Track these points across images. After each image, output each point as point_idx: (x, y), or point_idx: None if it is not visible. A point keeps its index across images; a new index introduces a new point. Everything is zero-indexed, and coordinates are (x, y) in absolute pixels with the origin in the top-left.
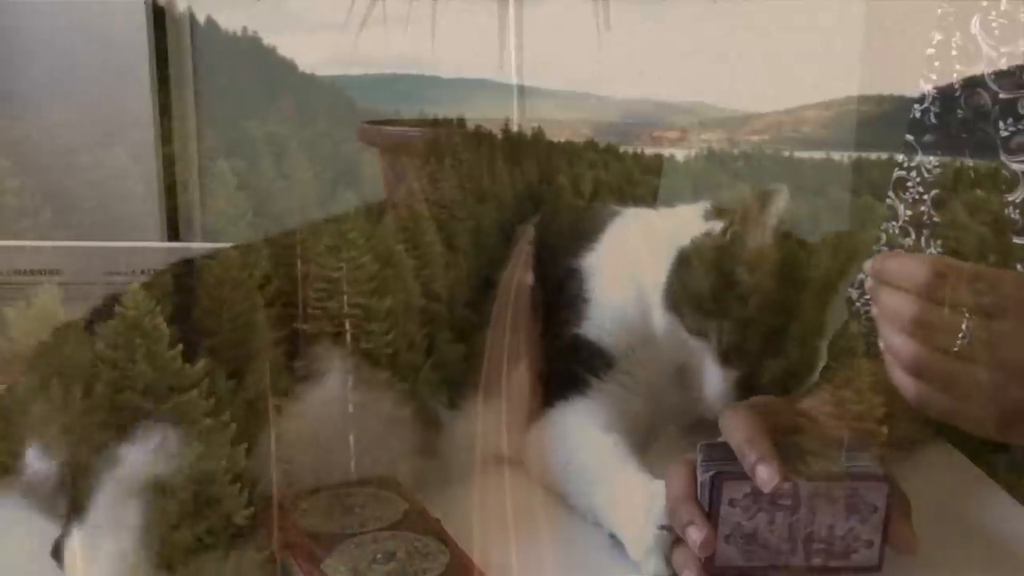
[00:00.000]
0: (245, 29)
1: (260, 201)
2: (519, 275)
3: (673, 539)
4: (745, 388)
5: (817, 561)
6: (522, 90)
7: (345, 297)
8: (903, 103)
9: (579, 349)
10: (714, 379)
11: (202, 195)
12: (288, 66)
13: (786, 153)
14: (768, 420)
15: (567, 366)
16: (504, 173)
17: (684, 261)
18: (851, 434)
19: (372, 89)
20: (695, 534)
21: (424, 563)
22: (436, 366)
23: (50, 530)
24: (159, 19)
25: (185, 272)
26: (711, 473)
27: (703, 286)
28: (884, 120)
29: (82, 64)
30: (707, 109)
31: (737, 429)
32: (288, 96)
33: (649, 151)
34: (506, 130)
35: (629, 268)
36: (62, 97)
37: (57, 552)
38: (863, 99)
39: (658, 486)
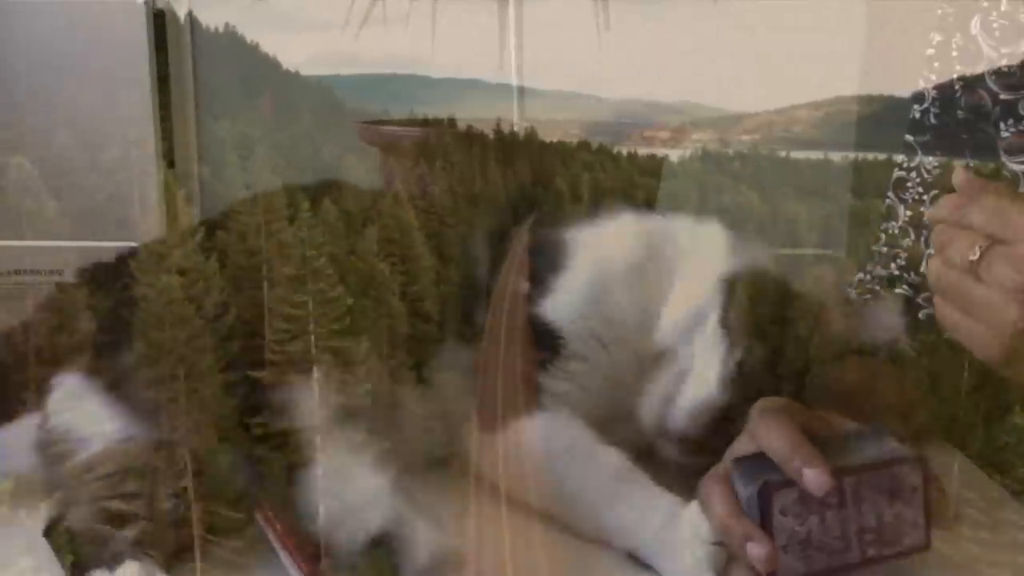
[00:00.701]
0: (227, 25)
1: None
2: (514, 282)
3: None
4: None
5: (872, 552)
6: (516, 91)
7: (312, 338)
8: (892, 103)
9: (533, 332)
10: (713, 357)
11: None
12: (271, 64)
13: (783, 154)
14: (797, 423)
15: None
16: (497, 175)
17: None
18: (870, 423)
19: (362, 89)
20: (757, 550)
21: None
22: (426, 399)
23: None
24: (159, 20)
25: (112, 296)
26: (758, 485)
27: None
28: (874, 120)
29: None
30: (698, 109)
31: (778, 436)
32: (267, 95)
33: (642, 151)
34: (498, 130)
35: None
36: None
37: (49, 532)
38: (853, 99)
39: (693, 503)
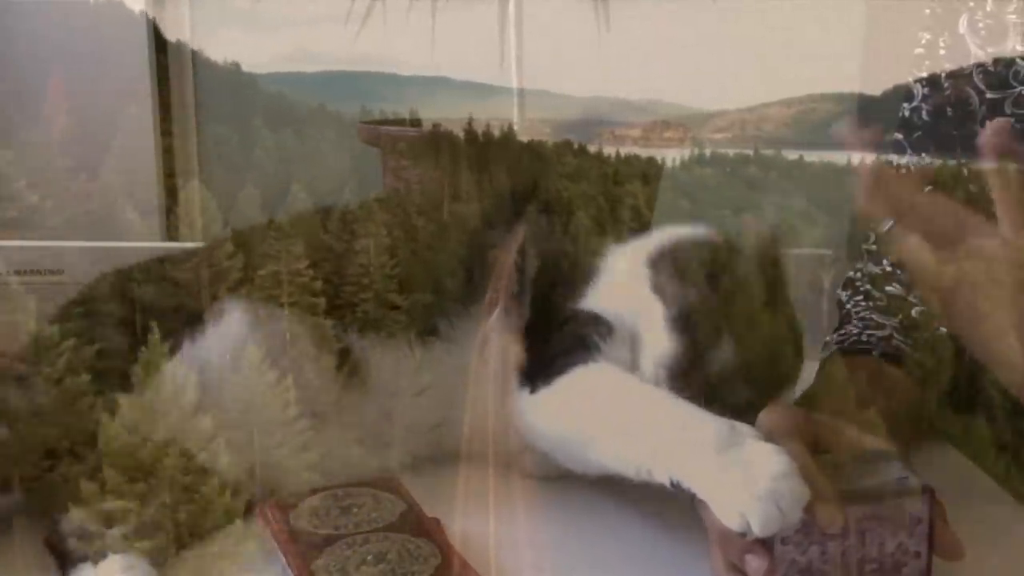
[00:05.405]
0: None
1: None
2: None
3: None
4: (686, 375)
5: None
6: (486, 89)
7: None
8: (864, 102)
9: (583, 318)
10: (656, 350)
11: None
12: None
13: (792, 156)
14: (802, 443)
15: (576, 333)
16: (474, 191)
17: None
18: (880, 443)
19: (325, 86)
20: (757, 563)
21: (414, 565)
22: None
23: None
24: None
25: None
26: None
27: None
28: (845, 118)
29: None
30: (669, 107)
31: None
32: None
33: (610, 150)
34: (469, 130)
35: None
36: None
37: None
38: (825, 97)
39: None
